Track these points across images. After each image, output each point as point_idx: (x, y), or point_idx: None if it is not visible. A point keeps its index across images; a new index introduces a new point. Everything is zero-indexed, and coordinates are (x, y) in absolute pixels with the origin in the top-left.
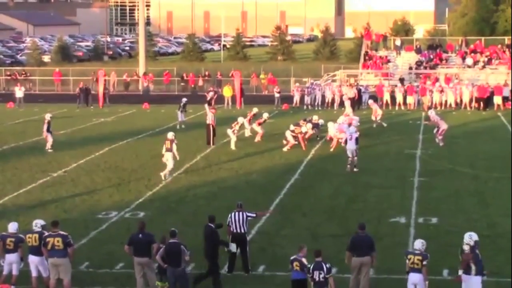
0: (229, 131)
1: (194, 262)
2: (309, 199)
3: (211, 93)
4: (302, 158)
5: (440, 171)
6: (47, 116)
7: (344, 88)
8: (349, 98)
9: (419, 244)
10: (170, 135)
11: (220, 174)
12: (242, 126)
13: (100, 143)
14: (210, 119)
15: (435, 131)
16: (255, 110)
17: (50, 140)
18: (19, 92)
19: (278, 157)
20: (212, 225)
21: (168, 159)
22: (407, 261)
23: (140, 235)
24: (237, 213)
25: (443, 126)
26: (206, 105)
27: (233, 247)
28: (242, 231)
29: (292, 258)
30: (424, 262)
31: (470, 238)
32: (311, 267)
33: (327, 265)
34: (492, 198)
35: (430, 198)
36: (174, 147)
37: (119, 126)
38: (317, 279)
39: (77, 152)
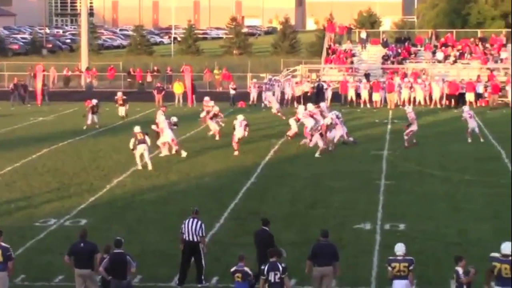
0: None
1: (141, 274)
2: (267, 205)
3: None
4: (260, 160)
5: (408, 173)
6: None
7: (305, 85)
8: (298, 96)
9: (402, 249)
10: (137, 129)
11: (169, 177)
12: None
13: (38, 144)
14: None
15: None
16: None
17: None
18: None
19: (232, 159)
20: (267, 229)
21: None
22: (389, 269)
23: (82, 244)
24: (191, 220)
25: (414, 127)
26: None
27: (284, 253)
28: (195, 239)
29: (232, 269)
30: (411, 268)
31: None
32: (265, 268)
33: (282, 265)
34: (463, 203)
35: (397, 202)
36: (147, 138)
37: (60, 125)
38: (272, 280)
39: (12, 154)
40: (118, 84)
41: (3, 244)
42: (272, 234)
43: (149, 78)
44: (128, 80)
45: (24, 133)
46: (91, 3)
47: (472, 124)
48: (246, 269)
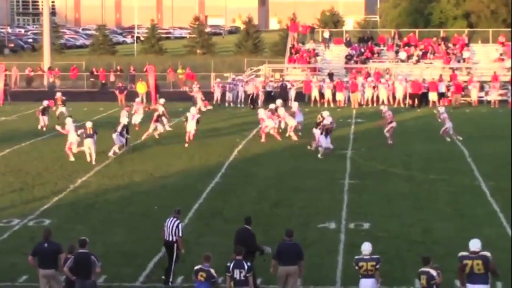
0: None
1: (106, 274)
2: (231, 204)
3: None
4: (224, 159)
5: (372, 172)
6: None
7: (251, 85)
8: (249, 95)
9: (368, 248)
10: (89, 124)
11: (133, 177)
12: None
13: (0, 144)
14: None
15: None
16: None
17: None
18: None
19: (196, 158)
20: (249, 227)
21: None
22: (356, 268)
23: (46, 244)
24: (171, 219)
25: (394, 123)
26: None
27: (268, 250)
28: (171, 239)
29: (196, 268)
30: (377, 266)
31: None
32: (231, 265)
33: (248, 264)
34: (427, 202)
35: (361, 201)
36: (95, 136)
37: (22, 125)
38: (237, 277)
39: None
40: (81, 84)
41: None
42: (254, 233)
43: (112, 78)
44: (91, 79)
45: None
46: (53, 2)
47: (449, 124)
48: (211, 270)
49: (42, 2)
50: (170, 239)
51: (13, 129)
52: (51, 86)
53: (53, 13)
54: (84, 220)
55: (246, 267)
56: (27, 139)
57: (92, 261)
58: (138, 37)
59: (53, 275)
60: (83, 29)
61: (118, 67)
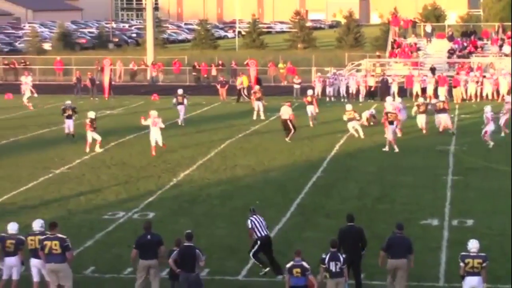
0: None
1: (209, 267)
2: (333, 199)
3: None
4: (325, 154)
5: (475, 168)
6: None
7: (370, 79)
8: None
9: (476, 245)
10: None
11: (235, 171)
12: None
13: (105, 137)
14: (287, 113)
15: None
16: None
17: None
18: (26, 79)
19: (298, 153)
20: (354, 224)
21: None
22: (461, 264)
23: (149, 236)
24: (256, 217)
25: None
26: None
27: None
28: (267, 233)
29: (289, 265)
30: (484, 264)
31: None
32: (327, 258)
33: (343, 255)
34: None
35: (465, 198)
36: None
37: (126, 119)
38: (333, 270)
39: (81, 148)
40: (184, 78)
41: (59, 235)
42: (361, 228)
43: (214, 72)
44: (193, 74)
45: None
46: None
47: (490, 127)
48: (304, 263)
49: None
50: (267, 233)
51: (117, 122)
52: (154, 80)
53: (156, 8)
54: (187, 213)
55: (341, 259)
56: (131, 133)
57: (196, 254)
58: (239, 32)
59: (155, 265)
60: (185, 24)
61: (220, 62)
